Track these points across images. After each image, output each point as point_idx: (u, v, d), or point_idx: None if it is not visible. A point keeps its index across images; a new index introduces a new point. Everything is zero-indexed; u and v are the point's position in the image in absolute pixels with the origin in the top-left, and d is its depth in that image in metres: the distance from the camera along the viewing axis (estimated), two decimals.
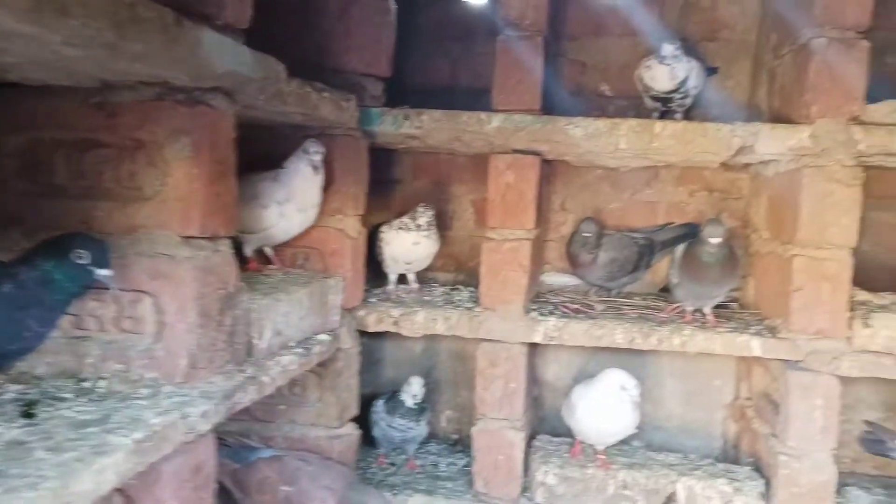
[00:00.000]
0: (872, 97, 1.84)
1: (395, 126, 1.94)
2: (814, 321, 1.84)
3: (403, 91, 2.19)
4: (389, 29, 1.96)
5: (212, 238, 1.17)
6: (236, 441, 1.93)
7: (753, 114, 2.24)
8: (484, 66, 2.09)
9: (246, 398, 1.27)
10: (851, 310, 1.84)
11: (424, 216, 2.11)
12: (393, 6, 1.97)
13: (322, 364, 1.84)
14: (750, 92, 2.34)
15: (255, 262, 1.71)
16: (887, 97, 1.85)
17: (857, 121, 1.81)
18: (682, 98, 2.10)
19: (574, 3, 2.40)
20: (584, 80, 2.46)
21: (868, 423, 1.72)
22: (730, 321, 2.04)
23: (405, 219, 2.13)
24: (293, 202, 1.63)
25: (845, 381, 1.84)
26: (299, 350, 1.54)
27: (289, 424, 1.96)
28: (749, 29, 2.33)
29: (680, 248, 2.03)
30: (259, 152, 1.75)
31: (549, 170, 2.36)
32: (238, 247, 1.71)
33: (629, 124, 1.91)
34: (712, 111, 2.28)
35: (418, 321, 2.04)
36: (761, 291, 2.15)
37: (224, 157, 1.17)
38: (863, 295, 1.93)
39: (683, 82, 2.06)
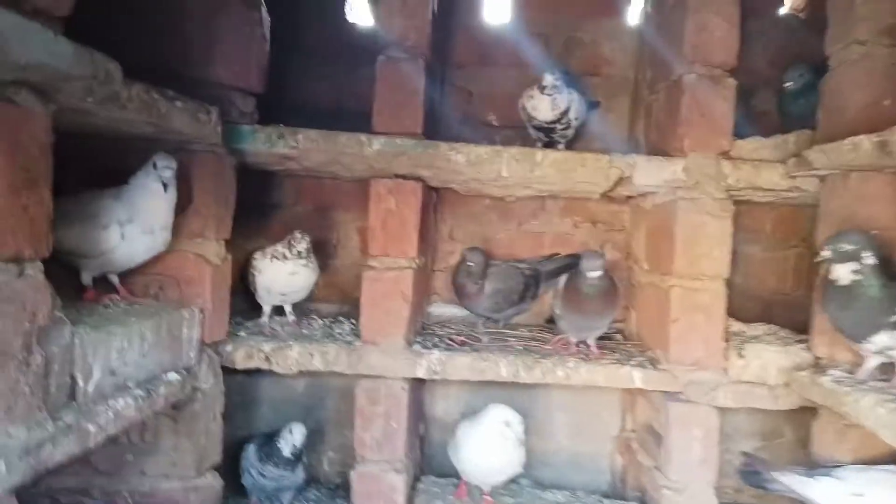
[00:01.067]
0: (741, 135, 1.92)
1: (269, 145, 1.80)
2: (691, 352, 1.85)
3: (285, 112, 2.06)
4: (261, 41, 1.83)
5: (15, 260, 0.98)
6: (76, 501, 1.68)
7: (633, 147, 2.29)
8: (369, 90, 2.01)
9: (60, 452, 1.07)
10: (727, 340, 1.86)
11: (302, 243, 1.97)
12: (266, 18, 1.85)
13: (176, 406, 1.64)
14: (630, 125, 2.39)
15: (93, 292, 1.50)
16: (754, 135, 1.93)
17: (726, 155, 1.87)
18: (564, 129, 2.10)
19: (461, 31, 2.39)
20: (472, 108, 2.44)
21: (745, 454, 1.72)
22: (614, 352, 2.02)
23: (279, 246, 1.98)
24: (137, 222, 1.44)
25: (724, 410, 1.86)
26: (140, 392, 1.35)
27: (137, 476, 1.73)
28: (628, 65, 2.40)
29: (562, 280, 2.00)
30: (107, 167, 1.57)
31: (436, 198, 2.29)
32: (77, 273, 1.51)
33: (510, 152, 1.87)
34: (595, 143, 2.32)
35: (292, 356, 1.88)
36: (643, 322, 2.16)
37: (33, 163, 0.99)
38: (737, 325, 1.97)
39: (565, 113, 2.06)
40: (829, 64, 1.79)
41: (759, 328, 1.97)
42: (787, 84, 1.99)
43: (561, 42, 2.41)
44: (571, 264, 2.19)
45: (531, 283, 2.19)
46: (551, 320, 2.26)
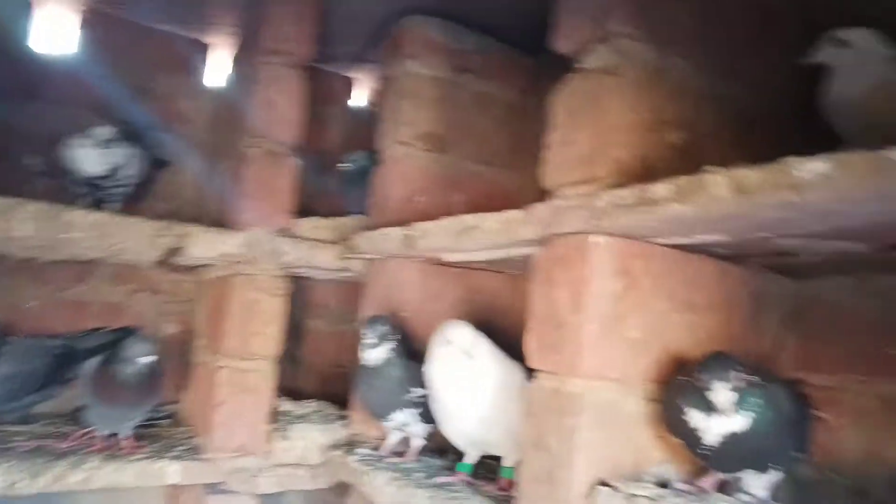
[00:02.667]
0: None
1: None
2: (235, 437, 1.74)
3: None
4: None
5: None
6: None
7: (204, 214, 2.15)
8: None
9: None
10: (273, 422, 1.81)
11: None
12: None
13: None
14: (201, 190, 2.25)
15: None
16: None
17: (286, 232, 1.86)
18: (115, 186, 1.85)
19: (3, 54, 1.97)
20: (11, 146, 2.00)
21: None
22: (156, 442, 1.79)
23: None
24: None
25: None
26: None
27: None
28: (205, 127, 2.28)
29: (90, 364, 1.70)
30: None
31: None
32: None
33: (37, 207, 1.55)
34: (162, 205, 2.12)
35: None
36: (195, 406, 1.98)
37: None
38: (287, 405, 1.94)
39: (117, 169, 1.83)
40: (381, 157, 1.95)
41: (308, 406, 1.98)
42: (343, 167, 2.11)
43: (131, 88, 2.17)
44: (119, 339, 1.91)
45: (63, 363, 1.82)
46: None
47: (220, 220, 1.93)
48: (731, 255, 1.25)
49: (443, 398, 1.41)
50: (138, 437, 1.75)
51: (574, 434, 1.08)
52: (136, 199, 2.01)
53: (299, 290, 2.34)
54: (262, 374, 1.79)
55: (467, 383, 1.37)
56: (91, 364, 1.69)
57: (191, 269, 2.10)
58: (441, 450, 1.65)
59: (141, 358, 1.60)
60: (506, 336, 1.48)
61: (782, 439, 1.04)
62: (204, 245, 1.76)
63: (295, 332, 2.34)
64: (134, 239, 1.66)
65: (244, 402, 1.75)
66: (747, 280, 1.31)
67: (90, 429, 1.71)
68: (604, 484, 1.05)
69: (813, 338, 1.38)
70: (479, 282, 1.92)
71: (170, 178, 2.18)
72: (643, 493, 0.99)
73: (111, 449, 1.67)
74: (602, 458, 1.09)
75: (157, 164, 2.09)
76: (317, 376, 2.26)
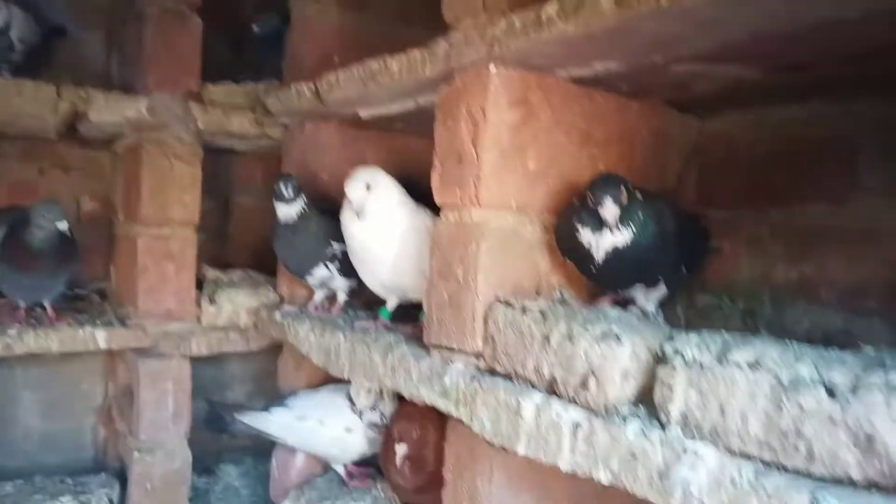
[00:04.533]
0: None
1: None
2: (162, 303, 1.76)
3: None
4: None
5: None
6: None
7: (108, 83, 2.05)
8: None
9: None
10: (200, 288, 1.83)
11: None
12: None
13: None
14: (107, 59, 2.13)
15: None
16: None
17: (195, 97, 1.80)
18: (6, 49, 1.73)
19: None
20: None
21: (208, 401, 1.71)
22: (83, 313, 1.79)
23: None
24: None
25: (219, 360, 1.83)
26: None
27: None
28: None
29: None
30: None
31: None
32: None
33: None
34: (66, 75, 2.00)
35: None
36: (120, 278, 1.98)
37: None
38: (213, 273, 1.95)
39: (3, 31, 1.70)
40: (293, 17, 1.86)
41: (235, 274, 1.99)
42: (256, 30, 2.01)
43: None
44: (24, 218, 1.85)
45: None
46: None
47: (126, 87, 1.85)
48: (632, 92, 1.27)
49: (356, 247, 1.43)
50: (65, 308, 1.75)
51: (477, 260, 1.13)
52: (34, 69, 1.88)
53: (225, 165, 2.30)
54: (183, 241, 1.78)
55: (378, 230, 1.39)
56: None
57: (104, 143, 2.02)
58: (370, 304, 1.70)
59: (50, 223, 1.56)
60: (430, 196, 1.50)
61: (666, 254, 1.09)
62: (107, 110, 1.69)
63: (223, 208, 2.32)
64: (33, 103, 1.59)
65: (167, 269, 1.76)
66: (648, 116, 1.34)
67: (7, 301, 1.69)
68: (503, 302, 1.11)
69: (712, 173, 1.44)
70: (402, 144, 1.90)
71: (71, 48, 2.04)
72: (536, 307, 1.05)
73: (33, 320, 1.67)
74: (502, 281, 1.14)
75: (55, 31, 1.94)
76: (246, 250, 2.26)
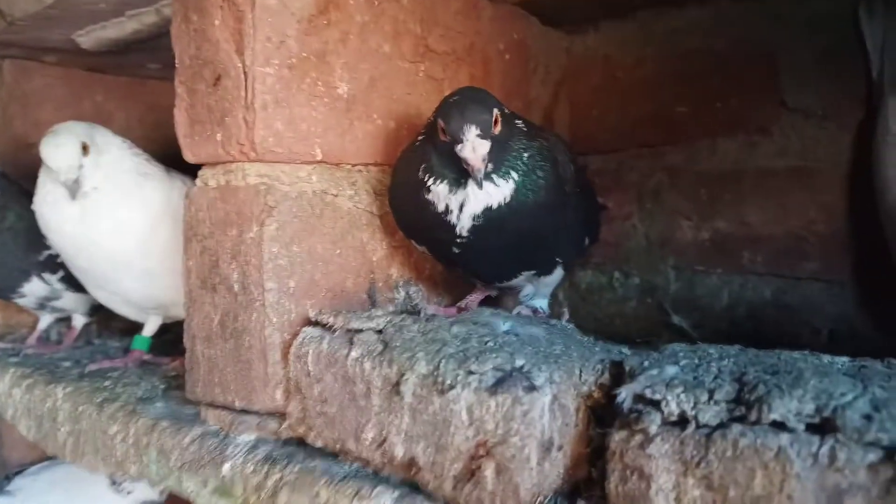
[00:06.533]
0: None
1: None
2: None
3: None
4: None
5: None
6: None
7: None
8: None
9: None
10: None
11: None
12: None
13: None
14: None
15: None
16: None
17: None
18: None
19: None
20: None
21: None
22: None
23: None
24: None
25: None
26: None
27: None
28: None
29: None
30: None
31: None
32: None
33: None
34: None
35: None
36: None
37: None
38: None
39: None
40: None
41: None
42: None
43: None
44: None
45: None
46: None
47: None
48: None
49: (70, 246, 0.89)
50: None
51: (261, 251, 0.66)
52: None
53: None
54: None
55: (108, 216, 0.86)
56: None
57: None
58: (133, 326, 1.15)
59: None
60: None
61: (566, 219, 0.69)
62: None
63: None
64: None
65: None
66: (505, 25, 0.94)
67: None
68: (313, 323, 0.65)
69: (588, 107, 1.08)
70: (166, 99, 1.35)
71: None
72: (370, 326, 0.61)
73: None
74: (309, 286, 0.69)
75: None
76: None
